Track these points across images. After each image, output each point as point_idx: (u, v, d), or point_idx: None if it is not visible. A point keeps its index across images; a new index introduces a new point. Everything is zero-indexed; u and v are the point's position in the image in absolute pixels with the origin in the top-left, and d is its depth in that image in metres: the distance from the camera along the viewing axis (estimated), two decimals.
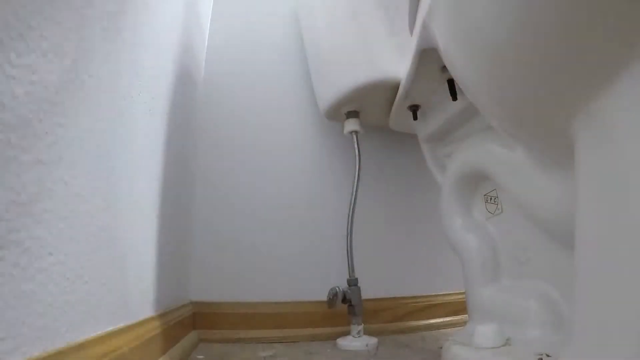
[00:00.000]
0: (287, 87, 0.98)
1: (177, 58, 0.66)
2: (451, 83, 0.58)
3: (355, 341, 0.70)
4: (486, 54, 0.34)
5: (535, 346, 0.41)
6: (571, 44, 0.28)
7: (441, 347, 0.56)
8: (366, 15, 0.80)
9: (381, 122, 0.90)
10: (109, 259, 0.37)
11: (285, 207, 0.88)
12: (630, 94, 0.26)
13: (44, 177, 0.26)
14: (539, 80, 0.32)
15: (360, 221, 0.88)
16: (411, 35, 0.64)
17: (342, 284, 0.74)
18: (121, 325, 0.39)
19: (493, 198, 0.58)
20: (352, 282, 0.74)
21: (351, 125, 0.82)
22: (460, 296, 0.93)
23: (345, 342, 0.70)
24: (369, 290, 0.82)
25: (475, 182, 0.60)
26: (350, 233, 0.77)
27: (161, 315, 0.53)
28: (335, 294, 0.71)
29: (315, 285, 0.83)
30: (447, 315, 0.92)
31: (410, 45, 0.60)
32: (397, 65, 0.74)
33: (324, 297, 0.73)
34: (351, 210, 0.79)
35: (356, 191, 0.80)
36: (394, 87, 0.75)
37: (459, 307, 0.92)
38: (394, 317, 0.86)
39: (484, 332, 0.44)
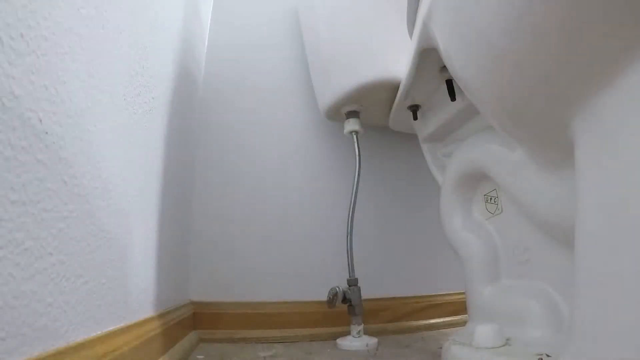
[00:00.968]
0: (287, 87, 0.98)
1: (177, 58, 0.66)
2: (450, 83, 0.58)
3: (355, 341, 0.70)
4: (486, 54, 0.34)
5: (535, 346, 0.41)
6: (571, 44, 0.28)
7: (441, 347, 0.56)
8: (366, 15, 0.80)
9: (381, 122, 0.90)
10: (109, 259, 0.37)
11: (285, 207, 0.88)
12: (630, 93, 0.26)
13: (44, 177, 0.26)
14: (539, 80, 0.32)
15: (360, 221, 0.89)
16: (410, 35, 0.64)
17: (342, 284, 0.74)
18: (121, 325, 0.39)
19: (493, 198, 0.58)
20: (352, 282, 0.74)
21: (351, 125, 0.82)
22: (460, 296, 0.93)
23: (345, 342, 0.70)
24: (369, 290, 0.82)
25: (475, 182, 0.60)
26: (350, 233, 0.77)
27: (161, 315, 0.53)
28: (335, 294, 0.71)
29: (315, 285, 0.83)
30: (447, 315, 0.92)
31: (410, 45, 0.60)
32: (398, 65, 0.74)
33: (324, 297, 0.73)
34: (351, 210, 0.79)
35: (356, 191, 0.80)
36: (394, 87, 0.75)
37: (459, 307, 0.92)
38: (394, 317, 0.86)
39: (484, 332, 0.44)
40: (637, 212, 0.26)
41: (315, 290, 0.81)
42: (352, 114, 0.83)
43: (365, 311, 0.76)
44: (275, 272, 0.84)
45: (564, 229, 0.42)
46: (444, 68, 0.57)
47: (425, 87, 0.65)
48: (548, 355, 0.37)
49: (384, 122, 0.89)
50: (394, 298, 0.89)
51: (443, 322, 0.90)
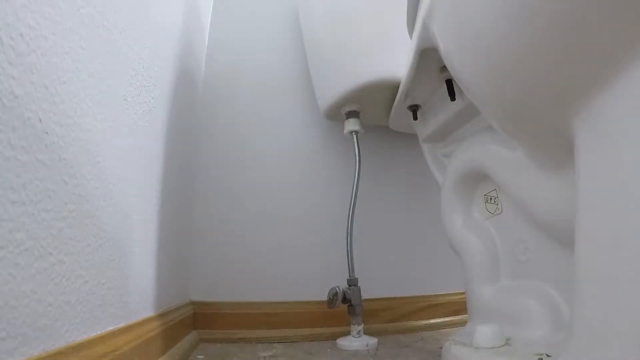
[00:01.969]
0: (287, 87, 0.98)
1: (177, 58, 0.66)
2: (450, 83, 0.58)
3: (355, 341, 0.70)
4: (486, 54, 0.34)
5: (535, 346, 0.41)
6: (571, 44, 0.28)
7: (441, 347, 0.56)
8: (366, 14, 0.80)
9: (381, 122, 0.90)
10: (109, 259, 0.37)
11: (285, 207, 0.88)
12: (630, 93, 0.26)
13: (44, 177, 0.26)
14: (539, 80, 0.32)
15: (360, 221, 0.89)
16: (410, 35, 0.64)
17: (342, 284, 0.74)
18: (121, 325, 0.39)
19: (493, 198, 0.58)
20: (352, 282, 0.74)
21: (351, 125, 0.82)
22: (460, 296, 0.93)
23: (345, 342, 0.70)
24: (369, 290, 0.82)
25: (475, 182, 0.60)
26: (350, 233, 0.77)
27: (161, 315, 0.53)
28: (335, 294, 0.71)
29: (315, 285, 0.83)
30: (447, 315, 0.92)
31: (410, 45, 0.60)
32: (398, 65, 0.74)
33: (324, 297, 0.73)
34: (351, 210, 0.79)
35: (356, 191, 0.80)
36: (394, 87, 0.75)
37: (459, 307, 0.92)
38: (394, 317, 0.86)
39: (484, 332, 0.44)
40: (637, 212, 0.26)
41: (315, 290, 0.81)
42: (352, 114, 0.83)
43: (365, 311, 0.76)
44: (275, 272, 0.84)
45: (563, 229, 0.42)
46: (444, 68, 0.57)
47: (425, 87, 0.65)
48: (548, 355, 0.37)
49: (384, 122, 0.89)
50: (394, 298, 0.89)
51: (443, 322, 0.90)
